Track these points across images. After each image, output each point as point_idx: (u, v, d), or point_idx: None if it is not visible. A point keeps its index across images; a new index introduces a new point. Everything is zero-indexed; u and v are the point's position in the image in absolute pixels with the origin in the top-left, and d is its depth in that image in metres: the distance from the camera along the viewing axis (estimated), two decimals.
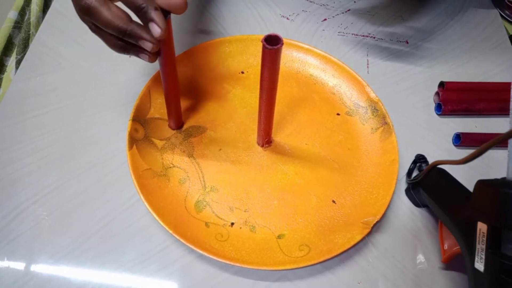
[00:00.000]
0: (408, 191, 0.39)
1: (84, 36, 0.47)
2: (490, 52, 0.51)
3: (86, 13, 0.27)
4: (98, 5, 0.26)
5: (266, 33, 0.28)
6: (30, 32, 0.52)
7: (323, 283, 0.34)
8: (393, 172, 0.38)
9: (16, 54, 0.50)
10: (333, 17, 0.52)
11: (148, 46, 0.28)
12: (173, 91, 0.36)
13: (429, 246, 0.37)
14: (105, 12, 0.26)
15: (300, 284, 0.34)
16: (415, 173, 0.40)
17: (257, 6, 0.52)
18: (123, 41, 0.29)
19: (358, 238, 0.34)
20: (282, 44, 0.28)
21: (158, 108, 0.41)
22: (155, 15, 0.26)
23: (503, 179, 0.25)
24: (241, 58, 0.45)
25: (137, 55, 0.30)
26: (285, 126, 0.42)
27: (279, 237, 0.35)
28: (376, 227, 0.36)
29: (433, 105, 0.46)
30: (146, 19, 0.26)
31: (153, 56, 0.30)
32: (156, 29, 0.26)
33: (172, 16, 0.28)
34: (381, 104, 0.42)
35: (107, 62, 0.45)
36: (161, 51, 0.30)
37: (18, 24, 0.52)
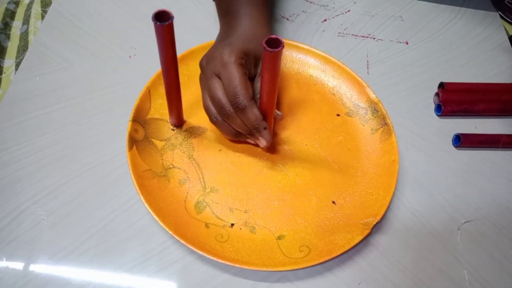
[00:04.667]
0: None
1: (84, 37, 0.47)
2: (490, 52, 0.51)
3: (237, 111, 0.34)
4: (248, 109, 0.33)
5: None
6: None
7: (323, 284, 0.35)
8: (393, 173, 0.38)
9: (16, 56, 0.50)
10: (333, 17, 0.52)
11: (259, 143, 0.37)
12: (174, 85, 0.35)
13: (429, 246, 0.37)
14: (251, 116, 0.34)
15: (300, 285, 0.34)
16: None
17: None
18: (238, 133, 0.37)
19: (358, 239, 0.34)
20: (283, 47, 0.28)
21: (158, 108, 0.41)
22: (265, 133, 0.35)
23: None
24: None
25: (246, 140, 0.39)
26: (285, 127, 0.42)
27: (279, 238, 0.35)
28: (376, 228, 0.37)
29: (433, 106, 0.46)
30: (259, 133, 0.35)
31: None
32: (263, 142, 0.36)
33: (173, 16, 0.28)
34: (381, 105, 0.42)
35: (107, 62, 0.45)
36: (163, 47, 0.30)
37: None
